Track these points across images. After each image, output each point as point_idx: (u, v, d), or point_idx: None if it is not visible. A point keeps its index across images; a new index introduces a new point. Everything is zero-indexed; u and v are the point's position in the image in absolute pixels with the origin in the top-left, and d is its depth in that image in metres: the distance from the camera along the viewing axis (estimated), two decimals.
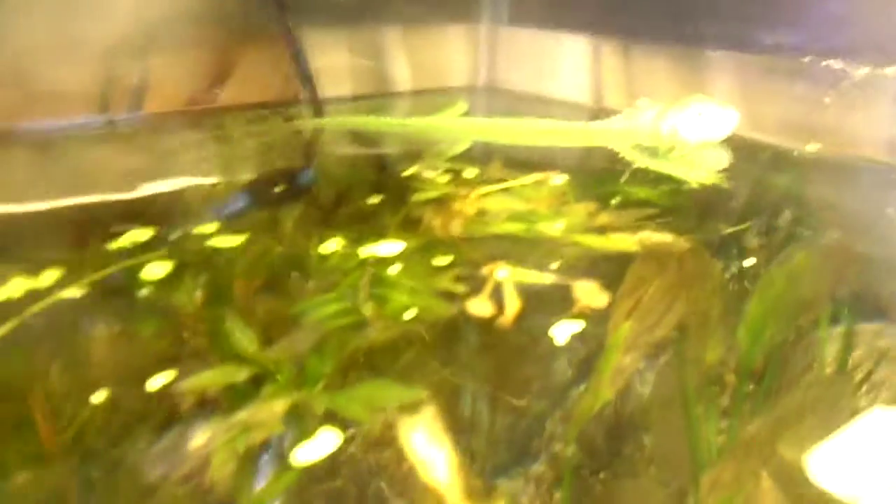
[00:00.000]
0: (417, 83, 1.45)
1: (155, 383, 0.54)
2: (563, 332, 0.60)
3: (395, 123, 1.16)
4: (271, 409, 0.51)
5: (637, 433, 0.56)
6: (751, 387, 0.61)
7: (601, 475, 0.52)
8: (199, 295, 0.64)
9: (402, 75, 1.43)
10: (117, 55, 1.14)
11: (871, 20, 1.00)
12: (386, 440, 0.51)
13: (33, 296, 0.61)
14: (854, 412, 0.53)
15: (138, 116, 1.18)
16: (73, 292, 0.62)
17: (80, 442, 0.50)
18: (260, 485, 0.47)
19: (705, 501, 0.48)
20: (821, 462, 0.48)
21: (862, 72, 0.99)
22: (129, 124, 1.16)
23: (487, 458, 0.52)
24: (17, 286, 0.62)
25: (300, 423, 0.50)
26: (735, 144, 1.09)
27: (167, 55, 1.18)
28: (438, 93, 1.45)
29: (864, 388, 0.64)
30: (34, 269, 0.64)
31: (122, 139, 1.13)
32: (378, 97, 1.40)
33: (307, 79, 1.19)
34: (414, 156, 1.02)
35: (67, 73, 1.11)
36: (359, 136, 1.19)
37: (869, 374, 0.65)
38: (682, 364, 0.62)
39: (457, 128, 1.15)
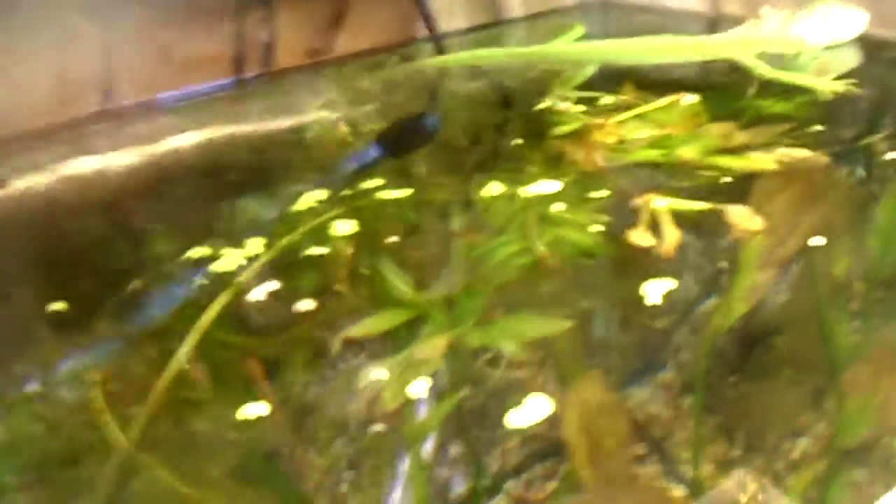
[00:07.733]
0: (530, 7, 1.44)
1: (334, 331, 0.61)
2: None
3: (518, 53, 1.18)
4: (432, 347, 0.57)
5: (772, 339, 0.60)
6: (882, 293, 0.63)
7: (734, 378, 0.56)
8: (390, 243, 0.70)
9: (515, 1, 1.43)
10: (244, 13, 1.18)
11: None
12: None
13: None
14: None
15: (265, 74, 1.21)
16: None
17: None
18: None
19: (846, 400, 0.50)
20: None
21: None
22: (257, 83, 1.20)
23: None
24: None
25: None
26: (864, 45, 1.07)
27: (283, 9, 1.21)
28: (552, 15, 1.44)
29: None
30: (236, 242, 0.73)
31: (257, 97, 1.17)
32: (492, 26, 1.40)
33: (427, 16, 1.21)
34: (541, 87, 1.04)
35: (199, 38, 1.15)
36: (483, 71, 1.21)
37: None
38: (812, 274, 0.65)
39: (578, 52, 1.16)
